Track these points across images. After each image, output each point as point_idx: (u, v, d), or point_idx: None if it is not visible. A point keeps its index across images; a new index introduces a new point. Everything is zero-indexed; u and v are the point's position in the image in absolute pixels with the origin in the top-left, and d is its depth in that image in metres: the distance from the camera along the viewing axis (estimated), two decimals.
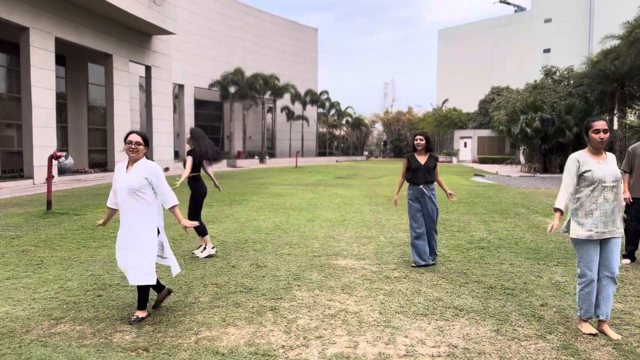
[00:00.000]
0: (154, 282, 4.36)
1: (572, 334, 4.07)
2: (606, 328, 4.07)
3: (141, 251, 4.32)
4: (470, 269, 6.15)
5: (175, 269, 4.59)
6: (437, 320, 4.38)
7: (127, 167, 4.41)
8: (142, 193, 4.32)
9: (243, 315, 4.46)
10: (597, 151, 4.10)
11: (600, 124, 4.02)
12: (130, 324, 4.26)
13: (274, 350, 3.72)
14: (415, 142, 6.43)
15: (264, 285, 5.39)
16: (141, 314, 4.39)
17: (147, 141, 4.44)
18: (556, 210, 4.01)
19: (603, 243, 4.10)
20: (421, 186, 6.31)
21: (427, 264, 6.24)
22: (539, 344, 3.86)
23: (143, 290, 4.40)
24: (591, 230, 4.02)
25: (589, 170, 4.01)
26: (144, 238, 4.33)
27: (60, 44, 21.01)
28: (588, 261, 4.04)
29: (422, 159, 6.39)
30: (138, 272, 4.31)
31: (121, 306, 4.72)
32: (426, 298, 4.98)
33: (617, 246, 4.10)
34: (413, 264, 6.30)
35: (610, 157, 4.11)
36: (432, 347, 3.81)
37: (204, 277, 5.74)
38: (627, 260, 6.50)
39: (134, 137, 4.36)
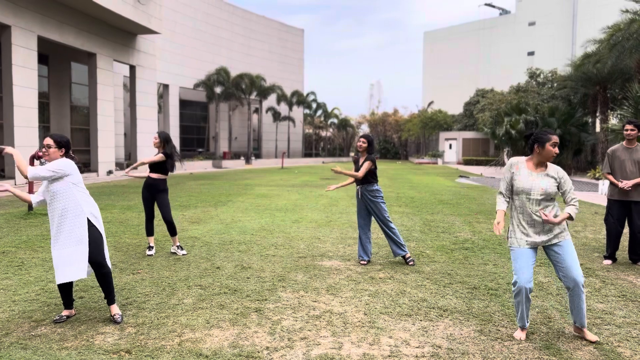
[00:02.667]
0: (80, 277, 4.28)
1: (554, 334, 4.11)
2: (584, 333, 4.03)
3: (71, 248, 4.27)
4: (454, 269, 6.19)
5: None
6: (421, 320, 4.40)
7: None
8: (57, 194, 4.22)
9: (227, 317, 4.44)
10: (541, 163, 4.04)
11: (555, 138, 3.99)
12: (118, 323, 4.25)
13: (258, 352, 3.70)
14: (357, 144, 6.60)
15: (248, 287, 5.37)
16: (116, 308, 4.39)
17: (60, 144, 4.35)
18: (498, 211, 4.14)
19: (550, 252, 4.01)
20: (358, 187, 6.57)
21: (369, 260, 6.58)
22: (522, 344, 3.89)
23: (103, 280, 4.37)
24: (521, 239, 4.00)
25: (516, 180, 4.04)
26: (74, 234, 4.28)
27: (43, 42, 20.74)
28: (518, 268, 3.96)
29: (361, 161, 6.59)
30: (77, 265, 4.26)
31: (103, 308, 4.66)
32: (411, 299, 4.99)
33: (567, 253, 3.93)
34: (411, 262, 6.48)
35: (550, 171, 4.00)
36: (416, 347, 3.82)
37: (188, 278, 5.70)
38: (609, 262, 6.59)
39: (46, 140, 4.33)
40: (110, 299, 4.39)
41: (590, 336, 3.98)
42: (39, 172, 4.14)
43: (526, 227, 4.01)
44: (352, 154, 70.58)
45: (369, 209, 6.60)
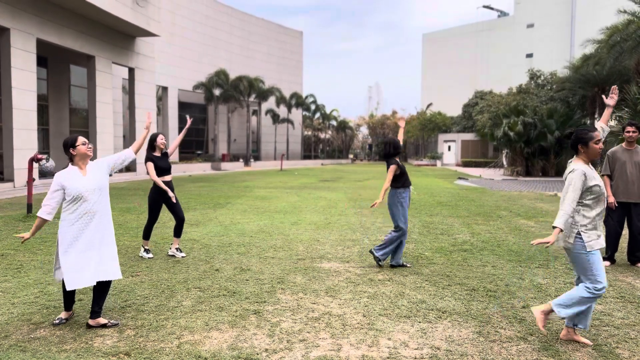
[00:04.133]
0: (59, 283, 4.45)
1: (552, 335, 4.12)
2: (578, 337, 4.00)
3: (113, 245, 4.38)
4: (453, 271, 6.19)
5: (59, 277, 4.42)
6: (420, 322, 4.40)
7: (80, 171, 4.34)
8: (106, 188, 4.39)
9: (226, 319, 4.44)
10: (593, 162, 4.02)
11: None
12: (117, 324, 4.28)
13: (257, 354, 3.70)
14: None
15: (247, 289, 5.37)
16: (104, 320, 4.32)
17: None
18: (555, 227, 3.80)
19: None
20: (411, 188, 6.59)
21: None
22: (521, 346, 3.90)
23: (108, 288, 4.40)
24: (599, 241, 3.90)
25: (597, 185, 3.84)
26: (112, 232, 4.40)
27: (41, 45, 20.75)
28: (601, 270, 3.86)
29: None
30: (115, 264, 4.33)
31: (102, 310, 4.65)
32: (409, 300, 5.00)
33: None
34: (408, 264, 6.50)
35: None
36: (415, 349, 3.82)
37: (187, 280, 5.70)
38: (607, 263, 6.59)
39: (85, 139, 4.40)
40: (100, 311, 4.28)
41: (585, 340, 3.97)
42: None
43: (599, 229, 3.92)
44: (351, 155, 70.66)
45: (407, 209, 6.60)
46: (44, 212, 4.22)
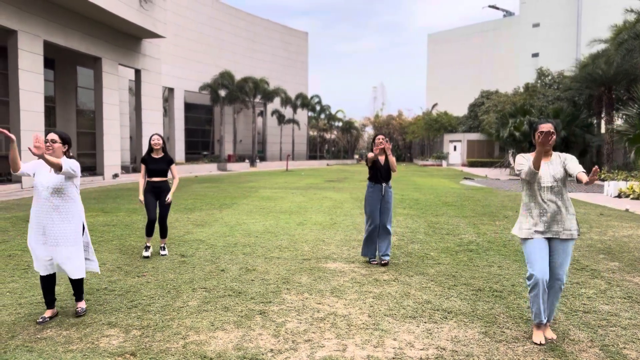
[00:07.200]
0: (83, 276, 4.54)
1: (559, 335, 4.09)
2: (546, 329, 4.04)
3: (72, 247, 4.43)
4: (459, 271, 6.17)
5: (96, 269, 4.77)
6: (425, 322, 4.39)
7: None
8: (65, 190, 4.39)
9: (232, 319, 4.45)
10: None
11: (545, 127, 4.01)
12: (77, 316, 4.51)
13: (262, 354, 3.70)
14: (379, 141, 6.65)
15: (253, 289, 5.37)
16: (82, 304, 4.64)
17: (65, 140, 4.49)
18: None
19: (550, 245, 4.03)
20: (383, 184, 6.61)
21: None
22: (527, 346, 3.88)
23: (75, 283, 4.60)
24: (530, 229, 4.01)
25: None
26: (71, 235, 4.42)
27: (49, 47, 20.87)
28: (532, 262, 3.95)
29: (382, 159, 6.70)
30: (71, 263, 4.43)
31: (108, 311, 4.68)
32: (415, 301, 4.99)
33: (563, 250, 3.96)
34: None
35: (554, 158, 4.05)
36: (421, 349, 3.82)
37: (193, 281, 5.71)
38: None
39: (50, 135, 4.43)
40: (76, 297, 4.69)
41: (550, 333, 4.04)
42: (69, 167, 4.27)
43: (538, 217, 4.12)
44: (356, 156, 70.59)
45: (383, 207, 6.64)
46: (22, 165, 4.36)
